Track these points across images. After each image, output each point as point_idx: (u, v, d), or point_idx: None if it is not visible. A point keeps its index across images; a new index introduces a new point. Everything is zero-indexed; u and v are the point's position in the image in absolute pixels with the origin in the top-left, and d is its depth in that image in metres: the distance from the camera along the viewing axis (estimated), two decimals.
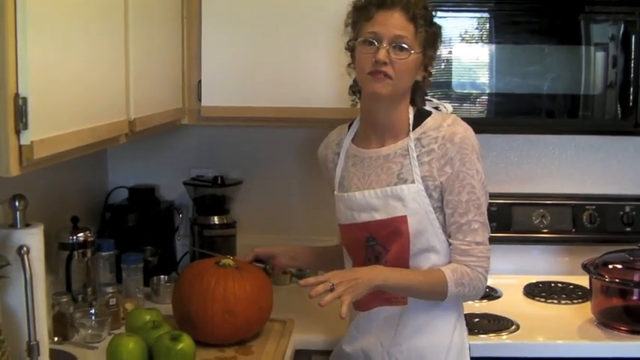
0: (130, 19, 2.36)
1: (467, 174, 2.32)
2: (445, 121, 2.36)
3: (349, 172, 2.47)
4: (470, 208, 2.33)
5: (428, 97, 2.50)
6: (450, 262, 2.35)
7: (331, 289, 2.21)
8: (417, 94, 2.43)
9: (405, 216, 2.34)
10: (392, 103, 2.38)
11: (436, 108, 2.48)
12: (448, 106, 2.49)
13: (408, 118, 2.39)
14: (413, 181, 2.33)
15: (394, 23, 2.30)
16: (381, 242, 2.39)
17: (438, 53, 2.49)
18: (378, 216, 2.38)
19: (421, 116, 2.41)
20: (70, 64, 1.94)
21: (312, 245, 2.82)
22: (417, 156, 2.34)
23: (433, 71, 2.48)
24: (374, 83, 2.31)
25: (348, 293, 2.23)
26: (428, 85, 2.45)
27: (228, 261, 2.63)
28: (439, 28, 2.40)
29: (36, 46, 1.71)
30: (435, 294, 2.34)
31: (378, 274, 2.30)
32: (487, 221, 2.38)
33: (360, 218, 2.42)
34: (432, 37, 2.36)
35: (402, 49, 2.28)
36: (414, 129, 2.38)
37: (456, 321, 2.44)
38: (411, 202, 2.33)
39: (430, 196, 2.33)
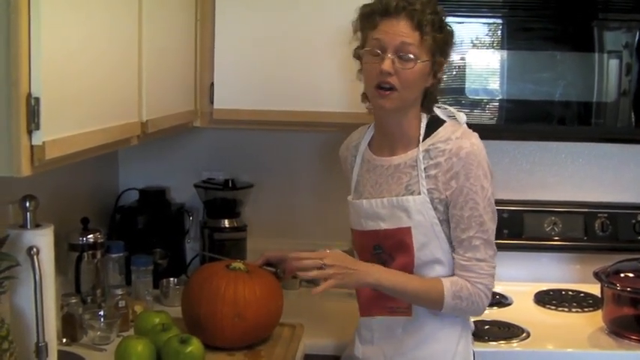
0: (144, 19, 2.37)
1: (470, 189, 2.28)
2: (455, 133, 2.32)
3: (363, 178, 2.46)
4: (471, 224, 2.29)
5: (444, 106, 2.46)
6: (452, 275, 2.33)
7: (321, 268, 2.25)
8: (426, 100, 2.39)
9: (410, 227, 2.32)
10: (401, 113, 2.35)
11: (452, 116, 2.44)
12: (461, 116, 2.44)
13: (419, 127, 2.37)
14: (419, 193, 2.31)
15: (399, 32, 2.26)
16: (387, 251, 2.38)
17: (451, 59, 2.46)
18: (384, 225, 2.37)
19: (434, 125, 2.37)
20: (82, 65, 1.94)
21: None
22: (425, 168, 2.31)
23: (444, 77, 2.47)
24: (379, 99, 2.30)
25: (334, 278, 2.26)
26: (437, 90, 2.41)
27: (238, 264, 2.63)
28: (451, 33, 2.35)
29: (49, 47, 1.72)
30: (431, 303, 2.32)
31: (373, 272, 2.31)
32: (492, 238, 2.34)
33: (367, 226, 2.41)
34: (441, 43, 2.31)
35: (407, 58, 2.25)
36: (425, 138, 2.34)
37: (461, 332, 2.42)
38: (416, 213, 2.31)
39: (436, 208, 2.31)
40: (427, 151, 2.32)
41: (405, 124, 2.37)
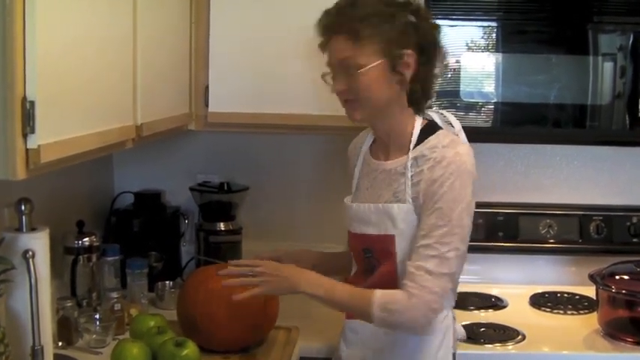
0: (138, 22, 2.37)
1: (441, 197, 2.16)
2: (443, 141, 2.25)
3: (362, 180, 2.45)
4: (432, 233, 2.16)
5: (442, 112, 2.41)
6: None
7: (251, 275, 2.30)
8: (411, 98, 2.31)
9: (394, 236, 2.28)
10: (383, 119, 2.33)
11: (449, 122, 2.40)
12: (456, 123, 2.37)
13: (412, 133, 2.31)
14: (405, 202, 2.26)
15: (335, 48, 2.26)
16: (376, 256, 2.35)
17: (446, 62, 2.45)
18: (370, 230, 2.34)
19: (428, 132, 2.31)
20: (77, 69, 1.94)
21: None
22: (412, 176, 2.25)
23: (440, 80, 2.44)
24: (348, 111, 2.32)
25: (262, 285, 2.29)
26: (421, 85, 2.30)
27: None
28: (406, 23, 2.24)
29: (44, 51, 1.72)
30: (360, 314, 2.27)
31: (300, 280, 2.28)
32: (450, 256, 2.16)
33: (358, 229, 2.39)
34: (392, 37, 2.22)
35: (351, 72, 2.23)
36: (418, 145, 2.29)
37: (443, 338, 2.34)
38: (400, 222, 2.26)
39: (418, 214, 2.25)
40: (416, 158, 2.26)
41: (395, 129, 2.33)
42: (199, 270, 2.83)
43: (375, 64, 2.22)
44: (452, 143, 2.24)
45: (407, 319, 2.17)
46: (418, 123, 2.33)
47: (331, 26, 2.27)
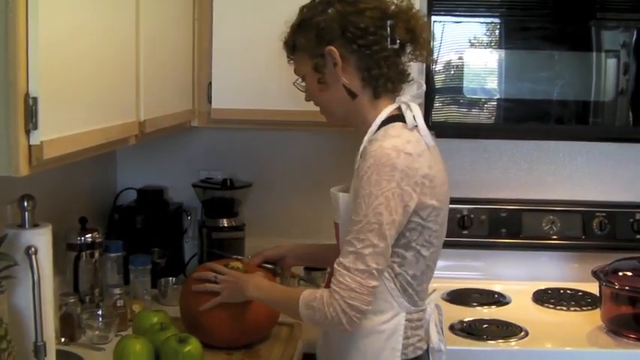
0: (141, 19, 2.37)
1: (359, 193, 2.08)
2: (379, 134, 2.17)
3: None
4: (352, 228, 2.09)
5: (411, 103, 2.26)
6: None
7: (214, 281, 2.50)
8: (371, 87, 2.25)
9: (337, 224, 2.29)
10: (353, 115, 2.31)
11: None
12: (409, 117, 2.22)
13: (370, 123, 2.23)
14: (347, 191, 2.22)
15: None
16: (337, 243, 2.36)
17: (449, 59, 2.43)
18: (334, 217, 2.35)
19: (386, 123, 2.21)
20: (80, 65, 1.93)
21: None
22: (357, 167, 2.18)
23: (442, 77, 2.41)
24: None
25: (222, 293, 2.47)
26: (375, 74, 2.22)
27: (236, 263, 2.63)
28: (335, 14, 2.21)
29: (47, 47, 1.71)
30: (292, 313, 2.25)
31: (247, 286, 2.41)
32: (367, 253, 2.06)
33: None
34: (314, 35, 2.23)
35: (301, 81, 2.35)
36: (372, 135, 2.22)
37: (386, 341, 2.24)
38: (342, 211, 2.24)
39: None
40: (363, 150, 2.20)
41: (358, 116, 2.29)
42: (202, 266, 2.82)
43: (306, 71, 2.29)
44: (385, 136, 2.15)
45: (326, 316, 2.09)
46: (384, 113, 2.24)
47: (284, 41, 2.37)
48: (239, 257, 2.76)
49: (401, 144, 2.11)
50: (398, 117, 2.23)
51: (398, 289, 2.22)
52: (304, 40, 2.26)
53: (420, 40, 2.26)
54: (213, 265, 2.60)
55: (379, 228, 2.06)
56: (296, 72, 2.34)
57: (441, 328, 2.40)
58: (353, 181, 2.18)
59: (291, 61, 2.36)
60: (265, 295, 2.38)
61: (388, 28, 2.20)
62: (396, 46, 2.22)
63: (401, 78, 2.28)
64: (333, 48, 2.20)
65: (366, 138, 2.21)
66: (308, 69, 2.28)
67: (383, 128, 2.19)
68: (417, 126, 2.20)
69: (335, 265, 2.10)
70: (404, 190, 2.08)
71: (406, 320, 2.25)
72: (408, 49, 2.27)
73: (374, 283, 2.08)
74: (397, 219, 2.09)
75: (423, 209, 2.15)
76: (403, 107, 2.25)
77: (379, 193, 2.06)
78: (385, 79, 2.24)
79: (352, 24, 2.20)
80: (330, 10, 2.23)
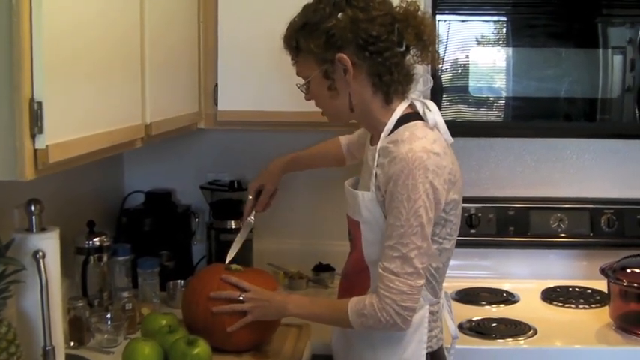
0: (146, 22, 2.37)
1: (396, 197, 2.12)
2: (403, 135, 2.18)
3: (363, 164, 2.42)
4: (392, 233, 2.13)
5: (426, 101, 2.29)
6: None
7: (240, 301, 2.47)
8: (382, 91, 2.26)
9: (359, 222, 2.29)
10: (360, 117, 2.33)
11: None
12: (429, 116, 2.24)
13: (386, 123, 2.25)
14: (369, 190, 2.24)
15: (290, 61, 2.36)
16: (352, 238, 2.39)
17: (455, 57, 2.43)
18: (350, 212, 2.36)
19: (404, 121, 2.23)
20: (85, 69, 1.94)
21: (328, 249, 2.81)
22: (377, 165, 2.21)
23: (449, 75, 2.42)
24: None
25: (251, 312, 2.45)
26: (382, 76, 2.22)
27: (236, 266, 2.63)
28: (346, 20, 2.19)
29: (51, 51, 1.72)
30: (341, 323, 2.30)
31: (286, 303, 2.40)
32: (412, 255, 2.11)
33: (347, 209, 2.41)
34: (323, 40, 2.21)
35: (303, 84, 2.33)
36: (390, 133, 2.24)
37: (414, 332, 2.28)
38: (364, 209, 2.25)
39: (383, 206, 2.21)
40: (382, 149, 2.22)
41: (371, 120, 2.30)
42: (202, 270, 2.83)
43: (312, 75, 2.28)
44: (410, 138, 2.17)
45: (380, 320, 2.15)
46: (399, 111, 2.26)
47: (284, 39, 2.34)
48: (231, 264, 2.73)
49: (429, 145, 2.15)
50: (413, 115, 2.26)
51: (428, 281, 2.26)
52: (312, 45, 2.23)
53: (427, 45, 2.27)
54: (233, 278, 2.52)
55: (421, 230, 2.12)
56: (299, 74, 2.34)
57: (453, 315, 2.48)
58: (373, 178, 2.22)
59: (294, 62, 2.35)
60: (309, 312, 2.40)
61: (396, 32, 2.21)
62: (403, 49, 2.23)
63: (409, 79, 2.29)
64: (344, 55, 2.20)
65: (383, 136, 2.24)
66: (315, 74, 2.27)
67: (404, 127, 2.22)
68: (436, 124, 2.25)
69: (380, 270, 2.15)
70: (436, 189, 2.13)
71: (429, 313, 2.31)
72: (413, 50, 2.27)
73: (422, 281, 2.16)
74: (432, 216, 2.15)
75: (447, 204, 2.21)
76: (418, 105, 2.27)
77: (417, 197, 2.10)
78: (396, 84, 2.25)
79: (364, 31, 2.18)
80: (340, 16, 2.20)
